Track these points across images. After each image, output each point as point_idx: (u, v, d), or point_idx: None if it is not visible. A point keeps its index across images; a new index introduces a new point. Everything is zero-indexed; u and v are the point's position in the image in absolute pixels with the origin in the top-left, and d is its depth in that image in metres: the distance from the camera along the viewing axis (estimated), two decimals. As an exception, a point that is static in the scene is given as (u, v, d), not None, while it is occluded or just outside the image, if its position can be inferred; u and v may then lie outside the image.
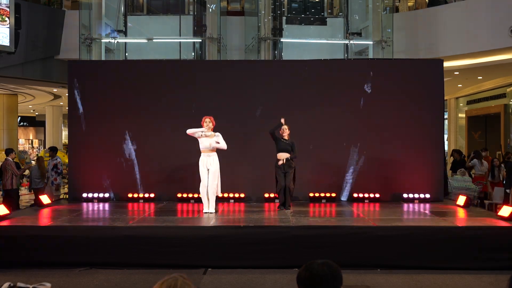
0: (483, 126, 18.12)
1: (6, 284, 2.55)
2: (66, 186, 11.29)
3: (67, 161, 15.29)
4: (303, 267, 2.19)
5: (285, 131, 8.47)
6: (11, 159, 10.67)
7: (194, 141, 9.31)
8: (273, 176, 8.58)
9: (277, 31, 13.80)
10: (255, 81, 9.88)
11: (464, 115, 18.92)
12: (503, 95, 16.06)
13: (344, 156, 9.73)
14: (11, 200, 10.40)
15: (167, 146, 9.76)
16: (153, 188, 9.67)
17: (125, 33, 14.17)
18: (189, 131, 8.12)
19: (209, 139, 8.12)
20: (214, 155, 8.15)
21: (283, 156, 8.34)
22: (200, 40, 13.85)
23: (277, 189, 8.49)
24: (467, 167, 12.09)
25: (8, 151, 10.91)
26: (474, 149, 13.69)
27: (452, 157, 13.81)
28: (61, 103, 23.87)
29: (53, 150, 11.64)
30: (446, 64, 11.13)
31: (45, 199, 8.92)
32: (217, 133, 8.19)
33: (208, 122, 8.12)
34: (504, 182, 10.97)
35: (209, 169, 8.09)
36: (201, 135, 8.11)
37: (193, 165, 9.62)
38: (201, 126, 8.15)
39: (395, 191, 9.64)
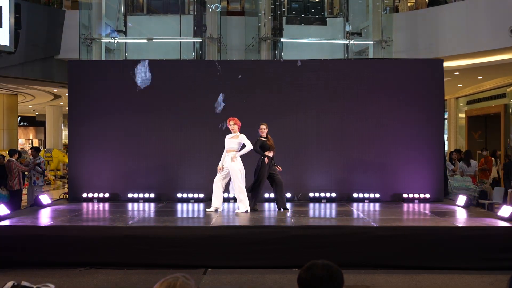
0: (483, 126, 18.13)
1: (10, 283, 2.55)
2: (66, 186, 11.28)
3: (67, 161, 15.31)
4: (303, 268, 2.20)
5: (264, 131, 8.36)
6: (14, 160, 10.68)
7: (194, 141, 9.34)
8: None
9: (277, 31, 13.81)
10: (255, 80, 9.88)
11: (464, 115, 18.93)
12: (503, 95, 16.06)
13: (344, 156, 9.73)
14: (17, 201, 10.44)
15: (167, 146, 9.76)
16: (153, 188, 9.67)
17: (125, 33, 14.17)
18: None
19: (233, 140, 8.16)
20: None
21: (270, 155, 8.34)
22: (200, 40, 13.86)
23: (255, 188, 8.26)
24: (454, 170, 12.06)
25: (11, 152, 10.92)
26: (466, 150, 13.72)
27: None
28: (61, 103, 23.89)
29: (36, 150, 11.70)
30: (446, 64, 11.12)
31: (45, 199, 8.92)
32: (242, 135, 8.21)
33: (232, 124, 8.18)
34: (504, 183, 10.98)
35: (229, 169, 8.10)
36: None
37: (193, 165, 9.65)
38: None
39: (395, 191, 9.64)
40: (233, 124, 8.19)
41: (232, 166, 8.05)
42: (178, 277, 2.00)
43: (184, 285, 1.97)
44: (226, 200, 9.51)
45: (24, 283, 2.58)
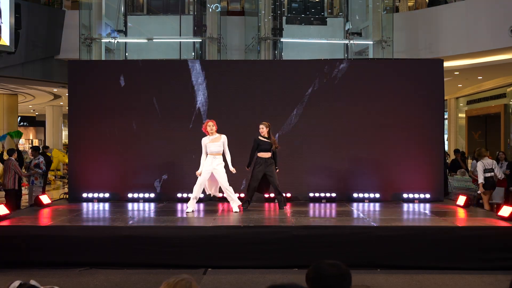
0: (483, 126, 18.13)
1: (17, 282, 2.52)
2: (66, 186, 11.27)
3: (67, 161, 15.31)
4: (311, 266, 2.20)
5: (264, 130, 8.40)
6: (14, 159, 10.69)
7: (194, 141, 9.32)
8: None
9: (277, 31, 13.81)
10: (255, 81, 9.88)
11: (464, 115, 18.93)
12: (503, 95, 16.07)
13: (344, 156, 9.73)
14: (12, 200, 10.42)
15: (167, 146, 9.76)
16: (153, 188, 9.67)
17: (125, 33, 14.18)
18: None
19: (216, 144, 8.17)
20: (220, 158, 8.20)
21: (265, 155, 8.35)
22: (200, 40, 13.86)
23: (251, 189, 8.44)
24: (469, 170, 12.02)
25: (10, 152, 10.94)
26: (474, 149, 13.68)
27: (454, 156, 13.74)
28: (61, 103, 23.89)
29: (35, 150, 11.73)
30: (446, 64, 11.13)
31: (45, 199, 8.92)
32: (223, 136, 8.25)
33: (211, 125, 8.19)
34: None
35: (215, 171, 8.12)
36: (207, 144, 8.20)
37: (193, 165, 9.62)
38: (201, 128, 8.35)
39: (395, 191, 9.63)
40: (212, 126, 8.19)
41: (222, 168, 8.16)
42: (190, 280, 1.99)
43: (186, 285, 1.97)
44: (226, 200, 9.51)
45: (32, 282, 2.55)
